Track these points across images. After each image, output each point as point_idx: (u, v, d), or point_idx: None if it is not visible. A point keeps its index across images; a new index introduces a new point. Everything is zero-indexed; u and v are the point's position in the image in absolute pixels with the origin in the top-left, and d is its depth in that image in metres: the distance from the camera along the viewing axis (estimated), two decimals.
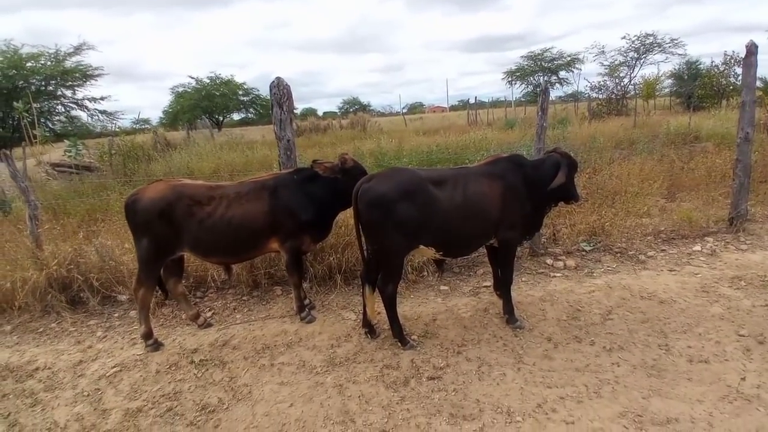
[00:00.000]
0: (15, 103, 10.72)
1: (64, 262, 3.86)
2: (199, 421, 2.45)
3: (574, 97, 28.02)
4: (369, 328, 3.12)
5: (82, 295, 3.87)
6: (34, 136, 9.52)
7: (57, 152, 11.17)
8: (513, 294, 3.28)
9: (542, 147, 4.20)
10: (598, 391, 2.48)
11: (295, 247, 3.22)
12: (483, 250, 3.49)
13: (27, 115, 10.10)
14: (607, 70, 22.39)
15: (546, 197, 3.11)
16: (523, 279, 3.94)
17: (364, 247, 2.98)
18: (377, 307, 3.20)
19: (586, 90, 22.80)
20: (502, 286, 3.22)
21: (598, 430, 2.20)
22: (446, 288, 3.87)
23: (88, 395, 2.76)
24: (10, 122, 15.50)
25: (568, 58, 30.46)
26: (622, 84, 20.87)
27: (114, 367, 3.01)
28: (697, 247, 4.43)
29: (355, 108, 46.74)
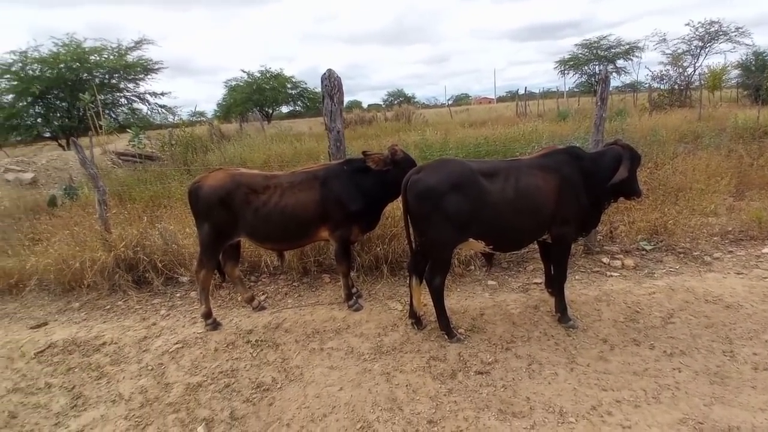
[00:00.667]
0: (81, 95, 11.52)
1: (131, 245, 4.16)
2: (254, 398, 2.58)
3: (633, 87, 26.34)
4: (415, 319, 3.13)
5: (147, 275, 4.15)
6: (100, 127, 10.22)
7: (121, 142, 12.00)
8: (566, 292, 3.17)
9: (600, 139, 4.00)
10: (657, 397, 2.37)
11: (344, 236, 3.29)
12: (534, 245, 3.40)
13: (92, 106, 10.85)
14: (669, 59, 20.86)
15: (605, 192, 2.97)
16: (577, 277, 3.80)
17: (412, 239, 2.98)
18: (423, 299, 3.21)
19: (647, 80, 21.37)
20: (555, 284, 3.12)
21: None
22: (494, 283, 3.81)
23: (151, 369, 2.97)
24: (76, 113, 16.69)
25: (627, 46, 28.65)
26: (685, 74, 19.38)
27: (176, 343, 3.21)
28: (767, 250, 4.09)
29: (399, 100, 46.63)
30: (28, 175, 9.45)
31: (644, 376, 2.54)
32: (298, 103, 32.46)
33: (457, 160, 2.92)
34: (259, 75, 29.56)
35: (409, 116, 19.15)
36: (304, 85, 31.41)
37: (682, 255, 4.11)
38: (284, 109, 34.19)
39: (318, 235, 3.29)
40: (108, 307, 3.93)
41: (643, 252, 4.19)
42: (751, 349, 2.72)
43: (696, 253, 4.09)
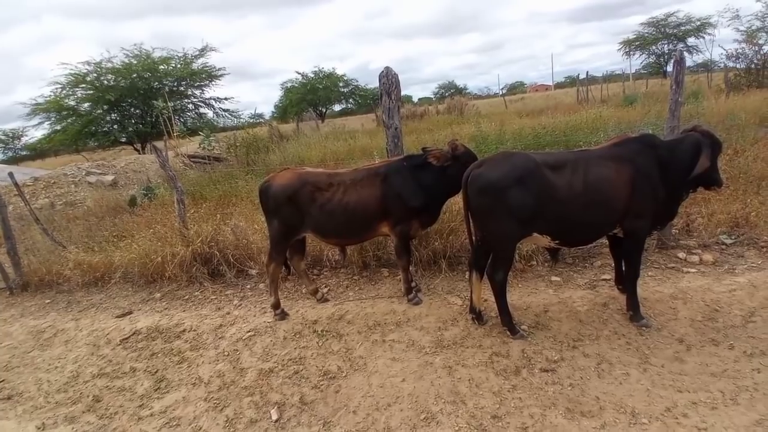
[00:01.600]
0: (155, 102, 12.48)
1: (206, 240, 4.49)
2: (322, 385, 2.72)
3: (706, 67, 24.05)
4: (476, 314, 3.12)
5: (220, 268, 4.47)
6: (172, 131, 11.02)
7: (191, 145, 12.88)
8: (638, 290, 3.01)
9: (676, 125, 3.73)
10: (735, 398, 2.24)
11: (404, 231, 3.34)
12: (603, 239, 3.26)
13: (165, 111, 11.74)
14: (743, 37, 18.79)
15: (683, 183, 2.78)
16: (650, 273, 3.59)
17: (473, 234, 2.97)
18: (484, 295, 3.20)
19: (721, 59, 19.42)
20: (627, 281, 2.98)
21: None
22: (558, 279, 3.70)
23: (228, 355, 3.20)
24: (149, 119, 18.08)
25: (698, 23, 26.26)
26: (762, 52, 17.38)
27: (249, 331, 3.44)
28: None
29: (450, 92, 45.88)
30: (109, 178, 10.44)
31: (722, 377, 2.39)
32: (350, 100, 33.09)
33: (521, 152, 2.86)
34: (312, 75, 30.46)
35: (462, 108, 18.84)
36: (356, 83, 31.96)
37: (765, 249, 3.75)
38: (337, 108, 34.97)
39: (379, 230, 3.37)
40: (186, 297, 4.28)
41: (723, 246, 3.87)
42: None
43: None
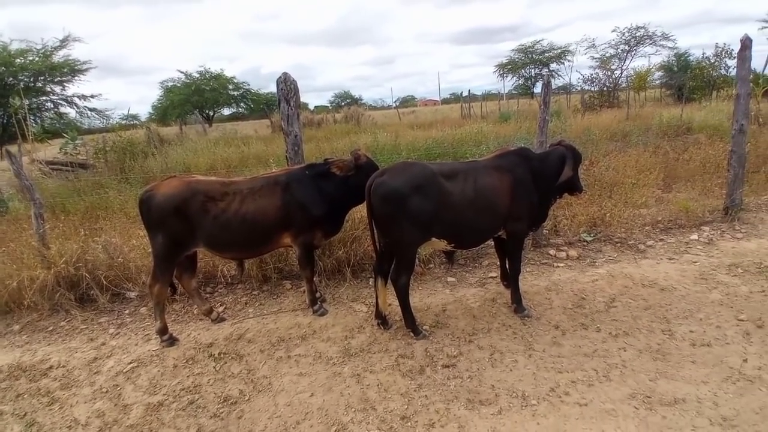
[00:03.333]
0: (11, 100, 10.50)
1: (72, 260, 3.86)
2: (222, 412, 2.51)
3: (566, 89, 28.20)
4: (381, 319, 3.18)
5: (90, 292, 3.87)
6: (28, 134, 9.37)
7: (49, 150, 11.03)
8: (520, 284, 3.36)
9: (545, 140, 4.27)
10: (608, 375, 2.59)
11: (307, 242, 3.27)
12: (490, 241, 3.57)
13: (20, 111, 9.94)
14: (598, 63, 22.58)
15: (553, 189, 3.20)
16: (528, 269, 4.03)
17: (377, 241, 3.03)
18: (388, 299, 3.27)
19: (579, 82, 22.98)
20: (511, 277, 3.30)
21: (611, 411, 2.30)
22: (453, 279, 3.95)
23: (106, 392, 2.79)
24: (0, 120, 15.21)
25: (559, 51, 30.63)
26: (613, 76, 21.07)
27: (130, 363, 3.04)
28: (695, 236, 4.56)
29: (347, 102, 46.53)
30: None
31: (594, 357, 2.76)
32: (241, 105, 31.47)
33: (419, 162, 3.01)
34: (198, 75, 28.33)
35: (359, 118, 19.23)
36: (247, 87, 30.53)
37: (618, 244, 4.48)
38: (226, 112, 33.02)
39: (280, 241, 3.24)
40: (51, 328, 3.63)
41: (585, 243, 4.53)
42: (688, 327, 3.02)
43: (631, 242, 4.49)
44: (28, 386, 2.91)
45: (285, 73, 3.64)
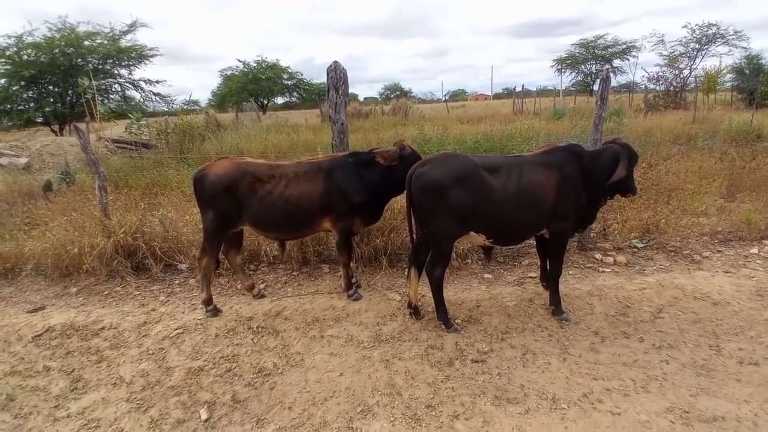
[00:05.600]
0: (80, 80, 11.33)
1: (130, 231, 4.17)
2: (256, 382, 2.64)
3: (629, 87, 26.61)
4: (414, 309, 3.20)
5: (145, 262, 4.17)
6: (96, 112, 10.10)
7: (116, 129, 11.88)
8: (560, 287, 3.26)
9: (599, 138, 4.08)
10: (646, 386, 2.47)
11: (346, 227, 3.34)
12: (531, 240, 3.48)
13: (90, 91, 10.72)
14: (665, 61, 21.10)
15: (603, 189, 3.05)
16: (571, 272, 3.90)
17: (414, 231, 3.05)
18: (421, 290, 3.29)
19: (643, 80, 21.60)
20: (551, 278, 3.21)
21: (645, 423, 2.20)
22: (490, 276, 3.90)
23: (152, 354, 3.00)
24: (68, 99, 16.45)
25: (624, 46, 28.93)
26: (681, 76, 19.63)
27: (176, 329, 3.25)
28: (755, 250, 4.23)
29: (396, 94, 46.47)
30: (23, 160, 9.37)
31: (633, 367, 2.65)
32: (294, 94, 32.32)
33: (462, 154, 2.98)
34: (255, 65, 29.37)
35: (407, 111, 19.18)
36: (300, 76, 31.27)
37: (672, 253, 4.22)
38: (279, 100, 34.00)
39: (321, 225, 3.34)
40: (106, 292, 3.95)
41: (635, 249, 4.30)
42: (737, 344, 2.83)
43: (686, 252, 4.21)
44: (79, 345, 3.16)
45: (335, 62, 3.70)
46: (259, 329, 3.17)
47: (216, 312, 3.38)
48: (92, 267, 4.05)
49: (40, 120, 17.01)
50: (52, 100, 16.74)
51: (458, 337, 2.97)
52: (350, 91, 3.89)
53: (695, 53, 22.03)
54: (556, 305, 3.19)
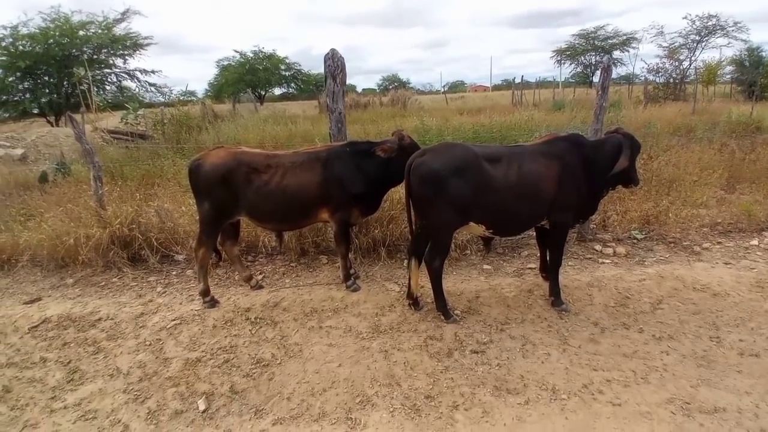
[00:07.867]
0: (75, 70, 11.20)
1: (126, 222, 4.12)
2: (254, 373, 2.62)
3: (628, 79, 26.47)
4: (413, 300, 3.18)
5: (142, 252, 4.13)
6: (92, 103, 10.00)
7: (111, 120, 11.77)
8: (560, 277, 3.24)
9: (600, 128, 4.05)
10: (646, 377, 2.47)
11: (344, 218, 3.30)
12: (530, 231, 3.46)
13: (86, 81, 10.60)
14: (665, 52, 20.98)
15: (605, 180, 3.02)
16: (570, 263, 3.88)
17: (413, 222, 3.01)
18: (420, 281, 3.26)
19: (642, 72, 21.50)
20: (551, 269, 3.19)
21: (645, 414, 2.20)
22: (489, 267, 3.88)
23: (149, 345, 2.98)
24: (64, 89, 16.31)
25: (624, 38, 28.73)
26: (681, 67, 19.53)
27: (174, 320, 3.23)
28: (755, 242, 4.23)
29: (394, 85, 46.18)
30: (18, 151, 9.29)
31: (633, 357, 2.64)
32: (292, 85, 32.06)
33: (461, 144, 2.94)
34: (252, 55, 29.08)
35: (405, 102, 19.05)
36: (298, 67, 31.00)
37: (672, 244, 4.21)
38: (277, 91, 33.73)
39: (318, 216, 3.30)
40: (103, 283, 3.92)
41: (635, 241, 4.28)
42: (738, 335, 2.83)
43: (686, 243, 4.20)
44: (76, 336, 3.14)
45: (333, 49, 3.64)
46: (257, 320, 3.15)
47: (213, 303, 3.36)
48: (88, 258, 4.02)
49: (35, 111, 16.85)
50: (47, 90, 16.60)
51: (457, 327, 2.96)
52: (348, 81, 3.84)
53: (695, 45, 21.90)
54: (555, 296, 3.18)
